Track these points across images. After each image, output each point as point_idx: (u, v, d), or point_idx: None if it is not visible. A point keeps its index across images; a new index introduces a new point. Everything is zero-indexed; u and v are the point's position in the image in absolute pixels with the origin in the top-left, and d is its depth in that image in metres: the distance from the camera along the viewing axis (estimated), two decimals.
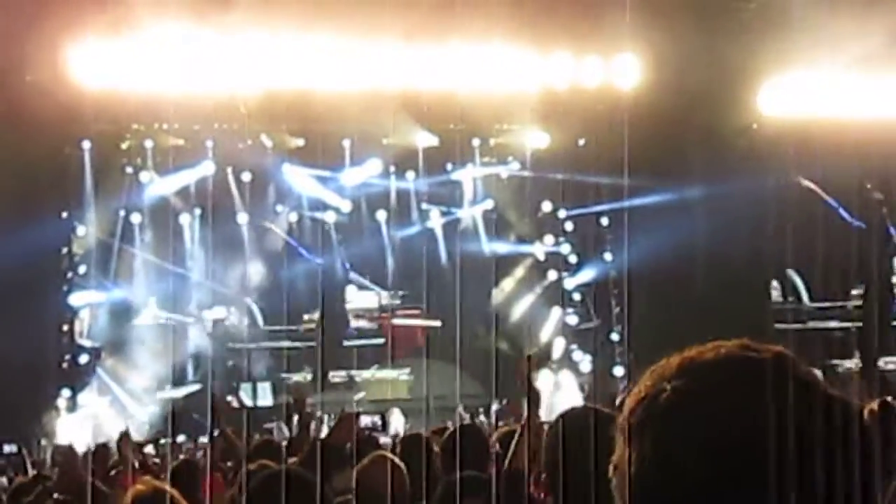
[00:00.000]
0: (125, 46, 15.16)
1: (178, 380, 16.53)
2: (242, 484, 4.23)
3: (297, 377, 16.70)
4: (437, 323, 17.01)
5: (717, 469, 1.54)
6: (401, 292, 17.81)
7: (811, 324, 16.91)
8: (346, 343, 17.18)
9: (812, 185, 17.19)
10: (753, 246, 16.52)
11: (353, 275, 17.88)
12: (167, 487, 4.39)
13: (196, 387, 16.29)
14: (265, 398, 16.43)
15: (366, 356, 17.33)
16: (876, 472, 1.59)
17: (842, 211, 16.93)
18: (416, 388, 16.62)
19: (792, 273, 16.26)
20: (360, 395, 16.56)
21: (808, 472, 1.54)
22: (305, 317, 17.36)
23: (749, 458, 1.54)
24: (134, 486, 4.45)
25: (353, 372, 16.85)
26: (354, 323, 17.44)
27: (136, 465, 8.00)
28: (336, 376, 16.84)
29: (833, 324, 17.00)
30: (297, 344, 17.09)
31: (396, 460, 5.12)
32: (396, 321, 17.55)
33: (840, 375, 15.68)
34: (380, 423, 14.28)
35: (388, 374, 17.02)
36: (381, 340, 17.43)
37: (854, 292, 17.27)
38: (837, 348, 16.71)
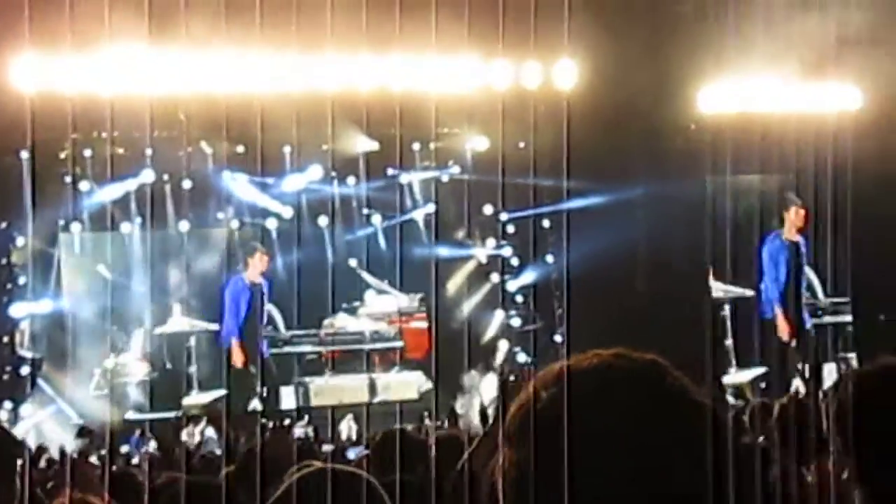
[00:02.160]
0: (63, 55, 15.08)
1: (199, 387, 16.55)
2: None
3: (318, 381, 16.86)
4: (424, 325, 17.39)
5: (588, 473, 1.59)
6: (419, 296, 17.87)
7: (826, 319, 17.05)
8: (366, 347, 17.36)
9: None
10: (693, 245, 16.64)
11: (371, 279, 17.90)
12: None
13: (220, 393, 16.28)
14: (288, 402, 16.49)
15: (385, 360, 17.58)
16: (731, 475, 1.65)
17: None
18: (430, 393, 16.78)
19: (808, 270, 16.36)
20: (382, 396, 16.75)
21: (675, 474, 1.59)
22: (326, 321, 17.38)
23: (618, 462, 1.59)
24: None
25: (374, 375, 16.99)
26: (373, 326, 17.52)
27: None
28: (356, 379, 16.96)
29: (847, 318, 17.14)
30: (319, 349, 17.17)
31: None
32: (415, 324, 17.70)
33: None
34: (313, 434, 14.26)
35: (408, 377, 17.19)
36: (399, 343, 17.52)
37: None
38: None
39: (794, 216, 15.54)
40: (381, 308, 17.84)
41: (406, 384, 17.11)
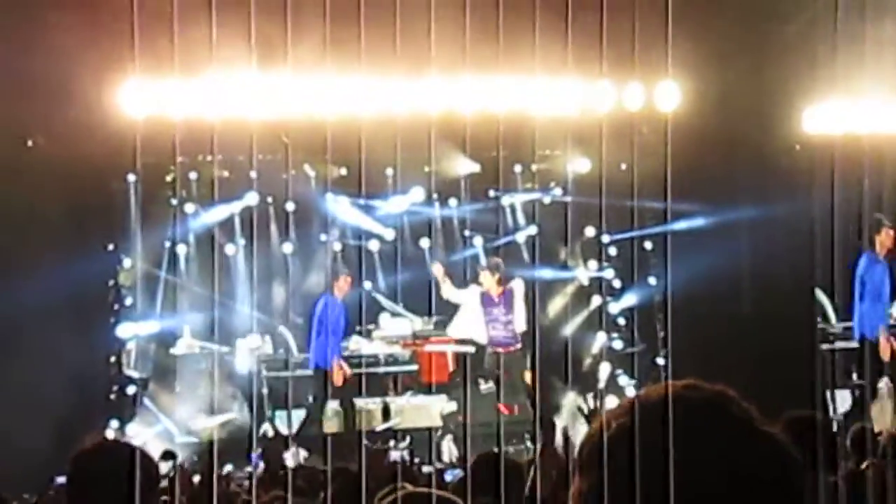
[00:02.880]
0: (169, 80, 15.32)
1: (212, 409, 16.58)
2: None
3: (331, 405, 16.55)
4: (471, 349, 16.94)
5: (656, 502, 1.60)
6: (434, 318, 17.69)
7: (838, 344, 16.63)
8: (380, 370, 17.02)
9: None
10: (799, 268, 16.44)
11: (385, 301, 17.79)
12: None
13: (231, 415, 16.32)
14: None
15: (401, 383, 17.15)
16: None
17: None
18: (452, 415, 16.44)
19: (819, 293, 16.15)
20: (395, 421, 16.41)
21: None
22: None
23: (683, 491, 1.60)
24: None
25: (388, 399, 16.63)
26: (387, 349, 17.22)
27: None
28: (370, 403, 16.66)
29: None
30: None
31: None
32: (429, 347, 17.30)
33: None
34: (408, 456, 14.19)
35: (423, 400, 16.78)
36: (414, 367, 17.23)
37: None
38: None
39: (884, 237, 15.36)
40: (395, 331, 17.53)
41: (425, 408, 16.61)
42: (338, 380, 15.73)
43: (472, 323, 16.64)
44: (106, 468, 3.84)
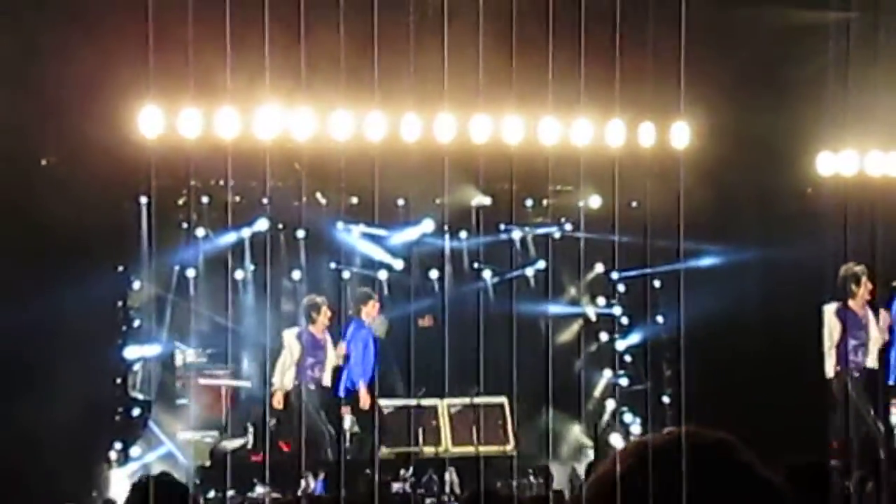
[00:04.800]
0: (184, 104, 15.38)
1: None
2: None
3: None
4: (247, 384, 16.77)
5: None
6: (209, 350, 17.44)
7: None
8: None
9: None
10: (807, 310, 16.44)
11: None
12: None
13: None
14: None
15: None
16: None
17: None
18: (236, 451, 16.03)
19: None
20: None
21: None
22: None
23: None
24: None
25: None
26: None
27: None
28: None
29: None
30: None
31: None
32: (202, 381, 17.03)
33: None
34: (410, 487, 14.09)
35: (194, 436, 16.44)
36: (183, 401, 16.91)
37: None
38: None
39: None
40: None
41: (196, 444, 16.22)
42: (365, 403, 15.68)
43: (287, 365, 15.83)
44: None
